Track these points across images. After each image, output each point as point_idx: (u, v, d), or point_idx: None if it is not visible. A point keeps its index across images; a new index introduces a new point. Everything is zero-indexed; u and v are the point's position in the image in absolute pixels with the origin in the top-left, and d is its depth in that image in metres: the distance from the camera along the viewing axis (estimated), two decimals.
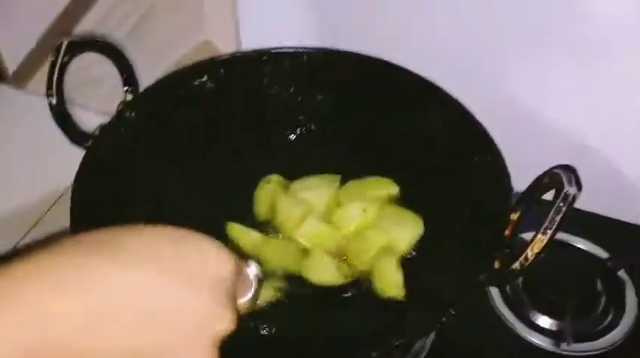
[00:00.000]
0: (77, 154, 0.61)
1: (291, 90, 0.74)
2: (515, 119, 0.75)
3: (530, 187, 0.56)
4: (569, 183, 0.50)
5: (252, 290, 0.41)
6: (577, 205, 0.51)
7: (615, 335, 0.69)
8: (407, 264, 0.65)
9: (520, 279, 0.73)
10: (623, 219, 0.79)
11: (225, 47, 0.85)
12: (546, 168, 0.55)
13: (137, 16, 0.86)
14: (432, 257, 0.65)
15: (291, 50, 0.73)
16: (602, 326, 0.70)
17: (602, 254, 0.75)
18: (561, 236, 0.76)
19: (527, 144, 0.75)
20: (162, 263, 0.36)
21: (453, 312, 0.51)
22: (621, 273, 0.73)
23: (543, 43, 0.71)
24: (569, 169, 0.52)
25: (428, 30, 0.75)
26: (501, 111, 0.70)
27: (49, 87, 0.59)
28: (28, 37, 0.95)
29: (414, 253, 0.67)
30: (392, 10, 0.74)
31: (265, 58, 0.72)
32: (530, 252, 0.50)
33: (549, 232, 0.49)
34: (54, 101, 0.60)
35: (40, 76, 0.98)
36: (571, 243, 0.76)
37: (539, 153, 0.69)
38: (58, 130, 0.63)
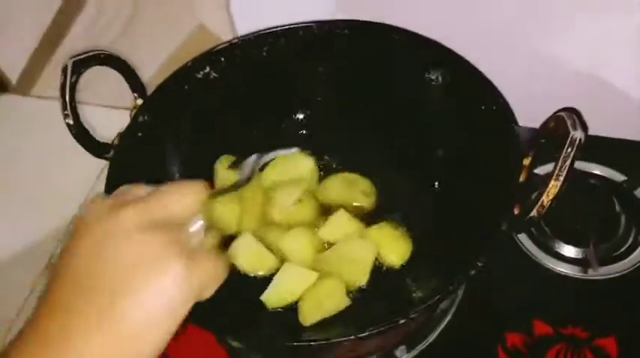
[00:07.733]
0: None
1: (292, 67, 0.75)
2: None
3: (537, 132, 0.58)
4: (574, 127, 0.51)
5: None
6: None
7: (638, 254, 0.71)
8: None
9: None
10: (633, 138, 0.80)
11: (220, 27, 0.86)
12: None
13: (127, 12, 0.87)
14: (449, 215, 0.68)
15: (285, 27, 0.73)
16: (625, 248, 0.72)
17: (618, 177, 0.77)
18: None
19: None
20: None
21: (480, 264, 0.54)
22: (638, 192, 0.75)
23: None
24: (572, 112, 0.53)
25: None
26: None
27: (64, 108, 0.61)
28: (25, 45, 0.97)
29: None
30: None
31: (261, 40, 0.73)
32: (546, 199, 0.52)
33: (561, 178, 0.51)
34: (71, 121, 0.61)
35: (43, 81, 1.00)
36: (586, 169, 0.78)
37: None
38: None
